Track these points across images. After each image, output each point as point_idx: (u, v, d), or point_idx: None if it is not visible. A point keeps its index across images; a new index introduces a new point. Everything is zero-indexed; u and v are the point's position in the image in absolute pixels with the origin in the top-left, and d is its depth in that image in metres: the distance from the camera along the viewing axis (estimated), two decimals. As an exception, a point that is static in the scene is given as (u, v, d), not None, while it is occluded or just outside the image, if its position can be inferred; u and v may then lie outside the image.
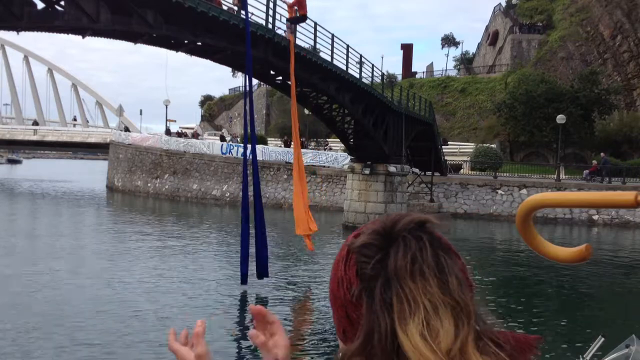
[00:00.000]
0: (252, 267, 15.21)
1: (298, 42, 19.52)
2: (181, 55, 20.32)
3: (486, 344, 0.89)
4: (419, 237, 0.93)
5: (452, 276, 0.91)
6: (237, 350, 11.29)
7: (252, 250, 15.14)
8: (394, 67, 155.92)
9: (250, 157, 15.64)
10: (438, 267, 0.91)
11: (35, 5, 14.40)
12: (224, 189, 41.06)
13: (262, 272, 15.28)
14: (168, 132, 49.97)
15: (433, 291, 0.89)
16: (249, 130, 16.06)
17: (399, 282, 0.89)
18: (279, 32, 19.71)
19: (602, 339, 6.10)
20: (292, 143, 20.43)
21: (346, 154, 34.60)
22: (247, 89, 15.54)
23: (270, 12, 19.31)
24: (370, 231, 0.96)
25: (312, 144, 50.41)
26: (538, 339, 0.94)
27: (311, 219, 17.62)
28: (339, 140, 32.46)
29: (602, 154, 39.88)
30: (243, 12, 16.67)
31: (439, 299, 0.88)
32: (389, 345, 0.87)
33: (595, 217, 34.08)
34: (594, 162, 39.10)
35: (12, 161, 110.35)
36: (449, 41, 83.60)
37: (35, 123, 72.80)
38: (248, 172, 15.89)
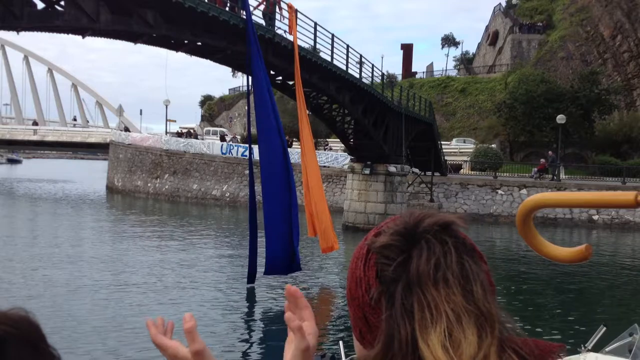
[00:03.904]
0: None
1: (298, 42, 19.51)
2: (181, 55, 20.36)
3: (509, 356, 0.86)
4: (444, 241, 0.89)
5: (476, 284, 0.87)
6: (240, 349, 11.31)
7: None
8: (394, 67, 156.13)
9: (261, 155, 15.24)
10: (462, 274, 0.87)
11: (35, 5, 14.39)
12: (224, 189, 41.05)
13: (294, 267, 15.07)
14: (188, 134, 50.06)
15: (457, 300, 0.85)
16: (253, 131, 15.91)
17: (420, 288, 0.85)
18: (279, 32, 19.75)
19: (604, 328, 6.13)
20: (301, 144, 19.52)
21: (346, 154, 34.60)
22: (270, 87, 15.12)
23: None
24: (392, 231, 0.91)
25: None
26: (561, 346, 0.90)
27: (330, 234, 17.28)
28: (339, 140, 32.46)
29: (549, 152, 40.21)
30: (243, 11, 16.66)
31: (463, 308, 0.85)
32: (410, 354, 0.83)
33: (595, 217, 34.09)
34: (542, 160, 39.44)
35: (12, 161, 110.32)
36: (449, 41, 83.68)
37: (35, 123, 72.81)
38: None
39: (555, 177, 37.24)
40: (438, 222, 0.91)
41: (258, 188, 15.22)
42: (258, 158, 15.10)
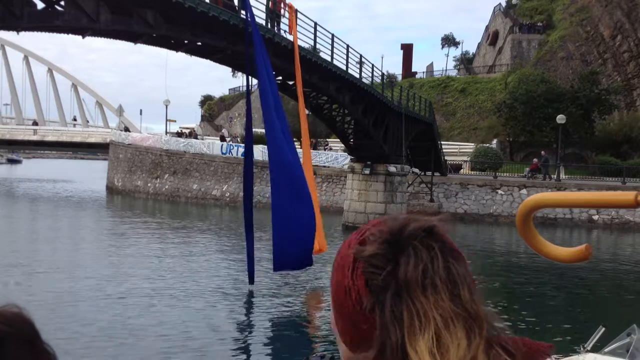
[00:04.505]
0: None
1: (298, 42, 19.51)
2: (181, 55, 20.35)
3: (497, 352, 0.87)
4: (430, 247, 0.90)
5: (464, 287, 0.89)
6: (239, 348, 11.30)
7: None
8: (394, 67, 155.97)
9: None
10: (449, 278, 0.88)
11: (35, 5, 14.39)
12: (224, 189, 41.07)
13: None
14: (190, 134, 49.79)
15: (445, 305, 0.86)
16: (260, 130, 15.91)
17: (409, 295, 0.86)
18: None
19: (603, 329, 6.15)
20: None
21: (346, 154, 34.61)
22: (275, 87, 15.10)
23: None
24: (379, 239, 0.91)
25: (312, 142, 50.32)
26: (550, 346, 0.91)
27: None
28: (339, 140, 32.46)
29: (542, 152, 40.51)
30: (243, 12, 16.64)
31: (451, 312, 0.86)
32: None
33: (595, 217, 34.09)
34: (535, 160, 39.61)
35: (12, 161, 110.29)
36: (449, 41, 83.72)
37: (35, 123, 72.78)
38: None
39: (547, 177, 37.33)
40: (423, 227, 0.91)
41: (257, 188, 15.19)
42: (265, 157, 15.15)
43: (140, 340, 11.19)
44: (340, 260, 0.94)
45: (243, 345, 11.67)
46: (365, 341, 0.89)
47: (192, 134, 49.88)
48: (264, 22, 19.15)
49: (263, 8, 19.24)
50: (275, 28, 19.81)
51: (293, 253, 14.48)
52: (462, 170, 42.41)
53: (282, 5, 19.93)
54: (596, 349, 5.97)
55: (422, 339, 0.84)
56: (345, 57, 24.32)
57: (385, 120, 28.31)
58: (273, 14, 19.76)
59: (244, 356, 11.11)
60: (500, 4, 69.45)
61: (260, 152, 33.76)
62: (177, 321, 12.41)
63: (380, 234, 0.92)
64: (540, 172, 38.32)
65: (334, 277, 0.95)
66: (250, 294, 15.02)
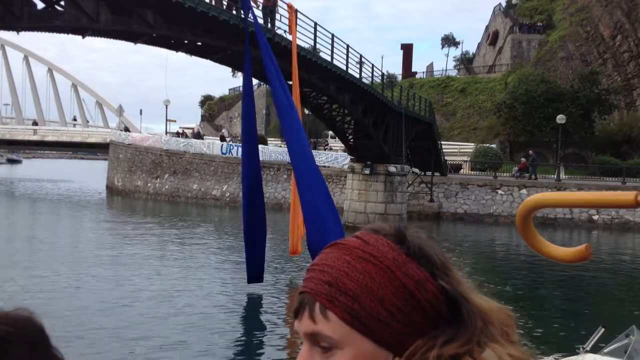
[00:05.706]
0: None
1: (298, 42, 19.50)
2: (181, 55, 20.37)
3: None
4: None
5: None
6: (238, 349, 11.31)
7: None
8: (394, 67, 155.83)
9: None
10: None
11: (35, 5, 14.40)
12: (224, 189, 41.06)
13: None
14: (194, 135, 49.55)
15: None
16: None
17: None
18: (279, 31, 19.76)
19: (602, 329, 6.16)
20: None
21: (346, 154, 34.62)
22: (281, 86, 15.20)
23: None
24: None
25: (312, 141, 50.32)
26: None
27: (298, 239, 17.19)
28: (339, 140, 32.47)
29: (530, 151, 40.39)
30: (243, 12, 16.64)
31: None
32: None
33: (595, 217, 34.08)
34: (523, 159, 39.52)
35: (12, 161, 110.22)
36: (449, 41, 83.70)
37: (35, 123, 72.75)
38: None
39: (534, 177, 37.24)
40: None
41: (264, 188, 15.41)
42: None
43: (141, 340, 11.18)
44: (386, 262, 0.86)
45: (243, 345, 11.66)
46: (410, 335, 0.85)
47: (194, 133, 49.66)
48: (262, 22, 19.15)
49: (261, 7, 19.24)
50: (269, 24, 19.75)
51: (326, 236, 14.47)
52: (462, 170, 42.39)
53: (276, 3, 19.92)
54: (596, 349, 5.97)
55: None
56: (345, 57, 24.33)
57: (385, 120, 28.32)
58: (273, 12, 19.73)
59: (244, 356, 11.11)
60: (500, 4, 69.48)
61: (260, 152, 33.74)
62: (178, 322, 12.40)
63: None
64: (528, 172, 38.24)
65: (369, 286, 0.85)
66: (252, 294, 15.02)
